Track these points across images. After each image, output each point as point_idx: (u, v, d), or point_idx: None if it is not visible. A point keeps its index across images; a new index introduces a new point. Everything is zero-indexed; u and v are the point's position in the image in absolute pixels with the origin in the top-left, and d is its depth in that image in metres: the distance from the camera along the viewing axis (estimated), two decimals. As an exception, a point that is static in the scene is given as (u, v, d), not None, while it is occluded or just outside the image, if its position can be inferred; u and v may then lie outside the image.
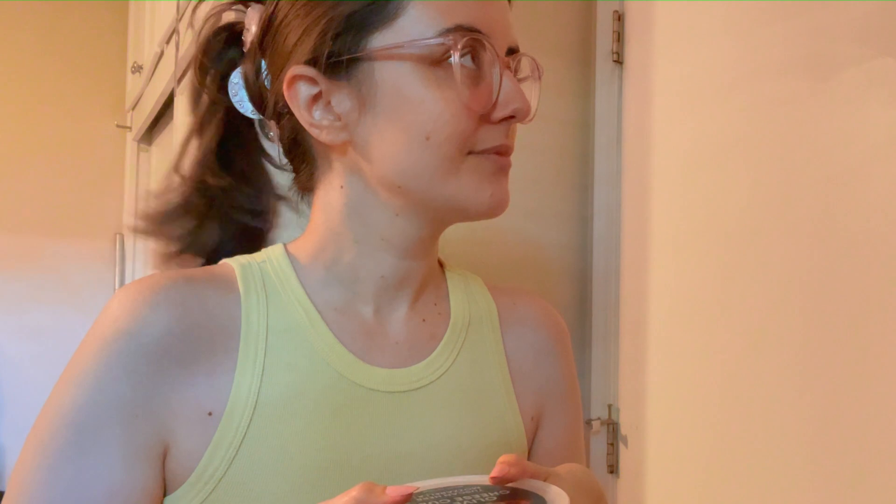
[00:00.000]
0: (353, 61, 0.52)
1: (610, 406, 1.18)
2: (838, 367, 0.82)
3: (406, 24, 0.51)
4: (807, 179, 0.87)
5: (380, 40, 0.51)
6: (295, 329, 0.55)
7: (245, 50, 0.61)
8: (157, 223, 0.64)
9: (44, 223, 2.48)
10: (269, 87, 0.58)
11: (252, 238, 0.66)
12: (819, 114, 0.85)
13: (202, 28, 0.65)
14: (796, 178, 0.88)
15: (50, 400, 0.50)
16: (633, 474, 1.14)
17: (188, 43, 1.39)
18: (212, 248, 0.64)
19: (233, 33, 0.64)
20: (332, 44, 0.52)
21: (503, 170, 0.55)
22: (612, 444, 1.18)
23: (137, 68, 2.20)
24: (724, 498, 0.96)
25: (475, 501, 0.42)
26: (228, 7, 0.63)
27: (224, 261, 0.58)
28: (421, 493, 0.42)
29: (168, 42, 1.67)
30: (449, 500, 0.42)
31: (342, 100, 0.53)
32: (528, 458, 0.65)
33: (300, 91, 0.54)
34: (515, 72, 0.56)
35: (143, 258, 2.35)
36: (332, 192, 0.57)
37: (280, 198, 0.66)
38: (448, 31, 0.51)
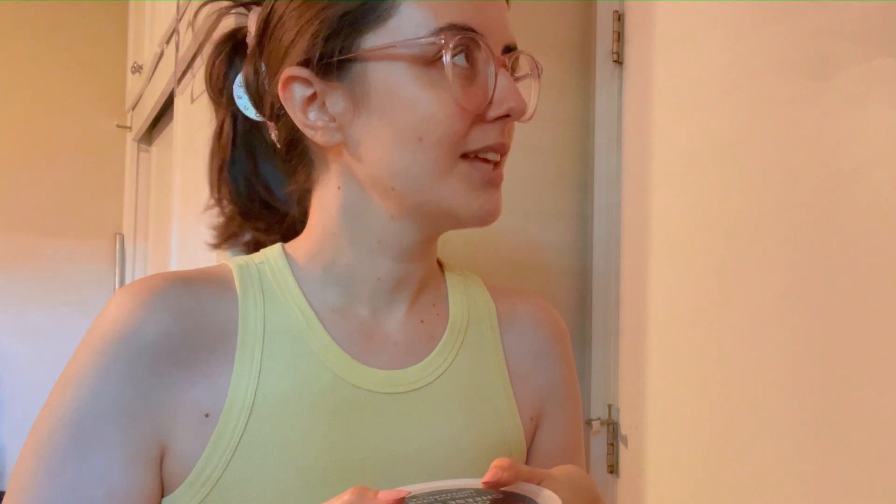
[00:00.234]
0: (347, 62, 0.52)
1: (610, 406, 1.18)
2: (838, 367, 0.82)
3: (399, 24, 0.51)
4: (807, 179, 0.87)
5: (372, 41, 0.51)
6: (292, 331, 0.54)
7: (248, 53, 0.61)
8: (221, 242, 0.67)
9: (44, 223, 2.48)
10: (267, 88, 0.58)
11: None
12: (819, 114, 0.85)
13: (204, 38, 0.65)
14: (796, 178, 0.88)
15: (49, 401, 0.50)
16: (633, 474, 1.14)
17: (188, 43, 1.39)
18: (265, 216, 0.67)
19: (238, 41, 0.64)
20: (325, 45, 0.52)
21: (494, 180, 0.55)
22: (612, 444, 1.18)
23: (137, 68, 2.20)
24: (723, 498, 0.96)
25: None
26: (227, 11, 0.63)
27: (223, 261, 0.58)
28: (413, 496, 0.42)
29: (168, 42, 1.67)
30: None
31: (336, 101, 0.53)
32: (528, 459, 0.65)
33: (295, 92, 0.54)
34: (513, 70, 0.56)
35: (143, 258, 2.35)
36: (329, 193, 0.57)
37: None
38: (440, 31, 0.50)
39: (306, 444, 0.52)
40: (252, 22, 0.61)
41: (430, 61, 0.51)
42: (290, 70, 0.53)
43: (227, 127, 0.64)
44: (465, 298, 0.64)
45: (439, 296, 0.63)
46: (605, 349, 1.19)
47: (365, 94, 0.52)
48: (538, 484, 0.45)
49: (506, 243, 1.14)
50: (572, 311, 1.21)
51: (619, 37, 1.20)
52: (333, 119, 0.54)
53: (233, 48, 0.64)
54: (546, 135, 1.18)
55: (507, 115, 0.53)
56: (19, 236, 2.44)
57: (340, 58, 0.52)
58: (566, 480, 0.48)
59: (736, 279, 0.96)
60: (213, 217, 0.67)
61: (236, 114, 0.63)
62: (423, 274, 0.60)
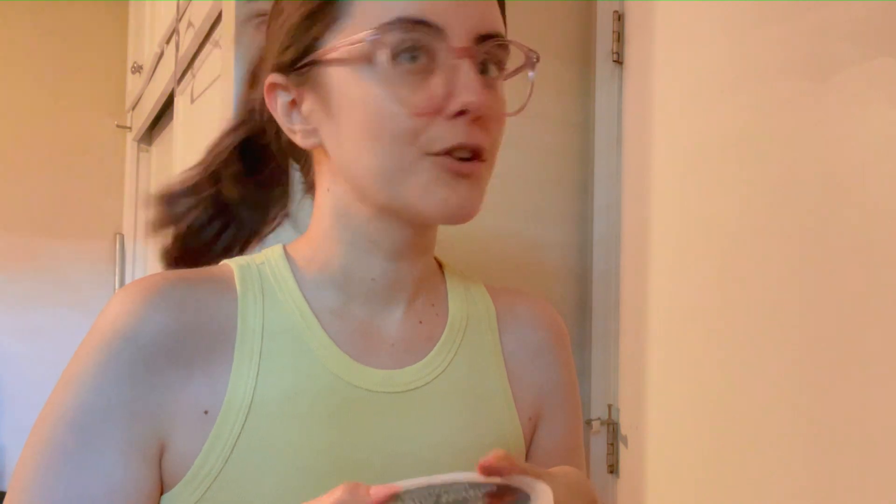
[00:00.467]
0: (311, 66, 0.53)
1: (610, 406, 1.18)
2: (838, 367, 0.82)
3: (349, 24, 0.51)
4: (807, 179, 0.87)
5: (327, 43, 0.52)
6: (290, 331, 0.55)
7: None
8: (163, 198, 0.65)
9: (44, 223, 2.47)
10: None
11: (246, 238, 0.66)
12: (819, 114, 0.85)
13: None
14: (796, 178, 0.88)
15: (50, 399, 0.51)
16: (633, 474, 1.14)
17: (188, 43, 1.39)
18: (205, 240, 0.65)
19: None
20: (293, 50, 0.54)
21: (461, 172, 0.51)
22: (612, 444, 1.18)
23: (137, 68, 2.20)
24: (723, 498, 0.96)
25: (461, 498, 0.41)
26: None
27: (224, 262, 0.59)
28: (406, 491, 0.42)
29: (168, 42, 1.67)
30: (435, 498, 0.41)
31: (310, 104, 0.54)
32: (527, 460, 0.65)
33: (278, 98, 0.56)
34: (499, 61, 0.53)
35: (143, 258, 2.35)
36: (322, 194, 0.58)
37: (286, 214, 0.67)
38: (386, 26, 0.49)
39: (304, 443, 0.52)
40: None
41: (375, 59, 0.50)
42: (271, 77, 0.55)
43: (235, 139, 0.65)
44: (464, 299, 0.64)
45: (438, 296, 0.63)
46: (605, 349, 1.19)
47: (328, 98, 0.53)
48: (534, 479, 0.45)
49: (506, 243, 1.14)
50: (572, 312, 1.21)
51: (619, 37, 1.20)
52: (309, 122, 0.55)
53: None
54: (546, 135, 1.18)
55: (465, 111, 0.49)
56: (19, 236, 2.44)
57: (304, 62, 0.53)
58: (564, 480, 0.48)
59: (735, 279, 0.96)
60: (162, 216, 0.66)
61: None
62: (419, 274, 0.60)
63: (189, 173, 0.65)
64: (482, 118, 0.51)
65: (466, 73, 0.49)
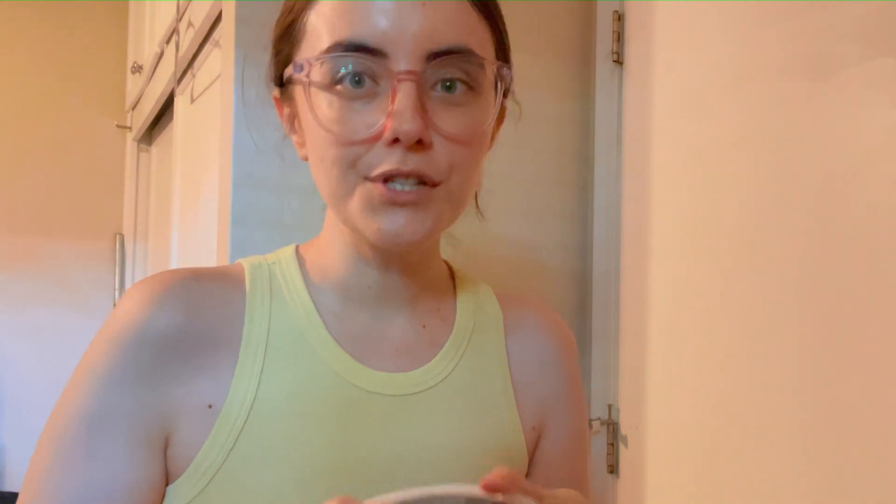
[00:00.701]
0: (287, 84, 0.55)
1: (610, 406, 1.18)
2: (838, 367, 0.82)
3: (304, 47, 0.52)
4: (807, 179, 0.87)
5: (294, 62, 0.53)
6: (296, 331, 0.55)
7: None
8: None
9: (44, 223, 2.47)
10: None
11: None
12: (819, 114, 0.85)
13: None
14: (796, 178, 0.88)
15: (64, 393, 0.52)
16: (633, 474, 1.14)
17: (188, 43, 1.39)
18: None
19: None
20: (274, 66, 0.56)
21: (394, 200, 0.49)
22: (612, 444, 1.18)
23: (137, 68, 2.20)
24: (723, 498, 0.96)
25: None
26: None
27: (238, 260, 0.60)
28: (401, 503, 0.42)
29: (168, 42, 1.67)
30: None
31: (298, 119, 0.56)
32: (530, 468, 0.65)
33: (283, 110, 0.58)
34: (456, 77, 0.50)
35: (143, 258, 2.35)
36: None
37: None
38: (328, 50, 0.49)
39: (305, 441, 0.52)
40: None
41: (319, 83, 0.50)
42: (273, 91, 0.58)
43: None
44: (472, 305, 0.64)
45: (445, 302, 0.63)
46: (605, 349, 1.19)
47: (298, 114, 0.55)
48: (538, 501, 0.45)
49: (505, 243, 1.14)
50: (572, 312, 1.21)
51: (619, 37, 1.20)
52: (300, 136, 0.57)
53: None
54: (546, 135, 1.18)
55: (396, 139, 0.48)
56: (19, 236, 2.44)
57: (282, 81, 0.55)
58: (565, 502, 0.48)
59: (736, 279, 0.96)
60: None
61: None
62: (419, 282, 0.60)
63: None
64: (424, 144, 0.49)
65: (401, 99, 0.47)
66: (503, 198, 1.12)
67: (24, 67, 2.47)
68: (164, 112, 2.00)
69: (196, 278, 0.55)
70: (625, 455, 1.16)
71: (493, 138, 0.60)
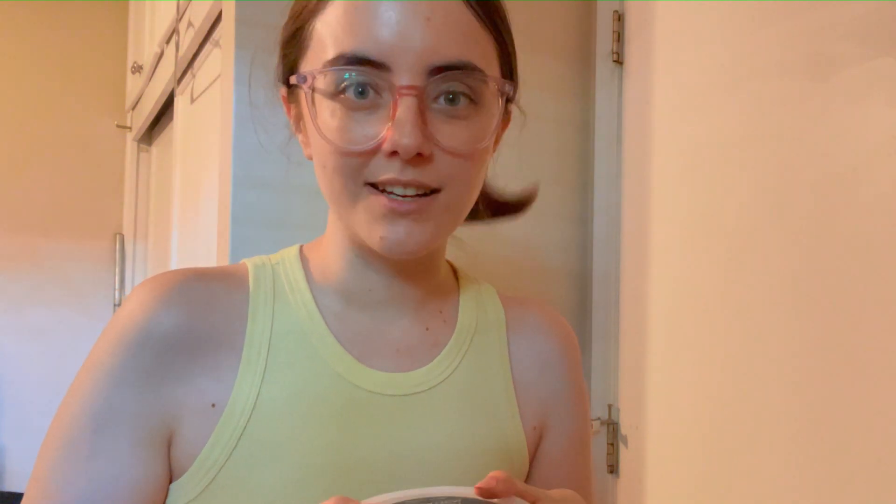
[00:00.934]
0: (294, 87, 0.55)
1: (610, 406, 1.18)
2: (838, 367, 0.82)
3: (310, 55, 0.52)
4: (807, 179, 0.87)
5: (300, 67, 0.54)
6: (298, 331, 0.56)
7: None
8: None
9: (44, 223, 2.47)
10: None
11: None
12: (819, 114, 0.85)
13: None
14: (796, 178, 0.88)
15: (68, 394, 0.52)
16: (633, 474, 1.14)
17: (188, 43, 1.39)
18: None
19: None
20: (282, 67, 0.57)
21: (397, 210, 0.50)
22: (612, 444, 1.18)
23: (137, 68, 2.20)
24: (723, 498, 0.96)
25: None
26: None
27: (243, 260, 0.60)
28: (399, 503, 0.42)
29: (168, 42, 1.67)
30: None
31: (303, 120, 0.57)
32: (531, 469, 0.65)
33: (291, 109, 0.58)
34: (458, 90, 0.50)
35: (143, 258, 2.35)
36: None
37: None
38: (332, 62, 0.49)
39: (307, 441, 0.53)
40: None
41: (323, 93, 0.51)
42: (281, 90, 0.58)
43: None
44: (475, 306, 0.64)
45: (448, 303, 0.63)
46: (605, 349, 1.19)
47: (303, 117, 0.56)
48: (532, 503, 0.45)
49: (506, 243, 1.14)
50: (572, 312, 1.21)
51: (619, 37, 1.20)
52: (305, 136, 0.57)
53: None
54: (546, 135, 1.18)
55: (396, 152, 0.49)
56: (19, 236, 2.44)
57: (290, 82, 0.55)
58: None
59: (736, 279, 0.96)
60: None
61: None
62: (422, 290, 0.60)
63: None
64: (424, 157, 0.49)
65: (402, 113, 0.48)
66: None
67: (24, 67, 2.47)
68: (164, 112, 2.00)
69: (200, 278, 0.55)
70: (625, 455, 1.16)
71: (497, 141, 0.60)
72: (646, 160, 1.13)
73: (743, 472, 0.93)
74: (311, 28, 0.52)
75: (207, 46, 1.27)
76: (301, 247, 0.62)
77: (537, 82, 1.17)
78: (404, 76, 0.48)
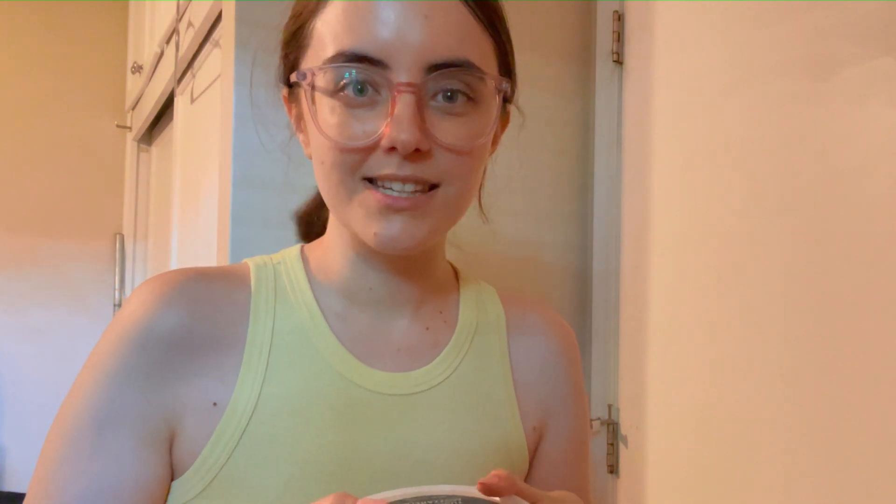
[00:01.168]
0: (294, 86, 0.56)
1: (610, 406, 1.18)
2: (837, 366, 0.82)
3: (310, 54, 0.53)
4: (807, 179, 0.87)
5: (301, 66, 0.54)
6: (299, 330, 0.56)
7: None
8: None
9: (44, 223, 2.47)
10: None
11: None
12: (819, 114, 0.85)
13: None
14: (796, 178, 0.88)
15: (71, 392, 0.53)
16: (633, 474, 1.14)
17: (188, 43, 1.39)
18: None
19: None
20: (283, 67, 0.57)
21: (392, 206, 0.51)
22: (612, 444, 1.18)
23: (137, 68, 2.20)
24: (723, 497, 0.96)
25: None
26: None
27: (245, 260, 0.61)
28: (398, 502, 0.42)
29: (168, 42, 1.67)
30: None
31: (304, 120, 0.57)
32: (531, 468, 0.65)
33: (292, 109, 0.59)
34: (456, 88, 0.51)
35: (143, 258, 2.35)
36: None
37: None
38: (331, 59, 0.50)
39: (308, 440, 0.53)
40: None
41: (323, 90, 0.51)
42: (282, 91, 0.59)
43: None
44: (475, 306, 0.64)
45: (448, 303, 0.63)
46: (605, 349, 1.19)
47: (303, 116, 0.56)
48: (532, 503, 0.45)
49: (506, 243, 1.14)
50: (572, 312, 1.21)
51: (619, 37, 1.20)
52: (305, 135, 0.58)
53: None
54: (546, 135, 1.18)
55: (394, 147, 0.49)
56: (19, 236, 2.44)
57: (290, 81, 0.55)
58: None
59: (735, 279, 0.96)
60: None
61: None
62: (422, 288, 0.60)
63: None
64: (422, 153, 0.50)
65: (400, 109, 0.49)
66: (504, 198, 1.12)
67: (24, 67, 2.47)
68: (164, 112, 2.00)
69: (202, 278, 0.55)
70: (625, 455, 1.16)
71: (494, 142, 0.60)
72: (646, 160, 1.14)
73: (742, 471, 0.93)
74: (311, 27, 0.53)
75: (207, 46, 1.27)
76: (302, 246, 0.62)
77: (537, 82, 1.18)
78: (403, 73, 0.49)
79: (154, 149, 2.29)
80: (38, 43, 2.49)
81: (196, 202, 1.39)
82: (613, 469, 1.18)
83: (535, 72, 1.17)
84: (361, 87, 0.50)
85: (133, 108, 2.37)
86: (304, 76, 0.51)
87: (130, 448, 0.51)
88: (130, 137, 2.44)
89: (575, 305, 1.21)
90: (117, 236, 2.55)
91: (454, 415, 0.58)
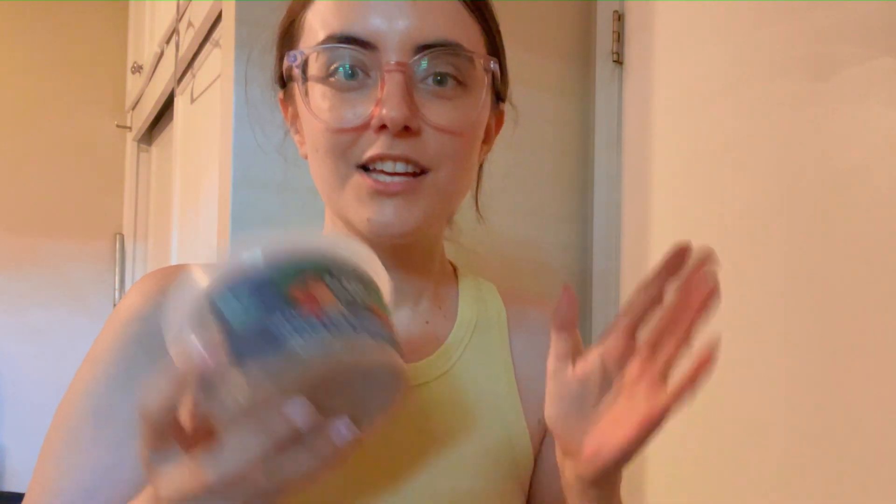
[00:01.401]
0: (288, 81, 0.57)
1: (610, 406, 1.18)
2: (839, 367, 0.82)
3: (302, 44, 0.54)
4: (807, 179, 0.87)
5: (286, 55, 0.55)
6: None
7: None
8: None
9: (44, 223, 2.47)
10: None
11: None
12: (819, 114, 0.85)
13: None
14: (796, 178, 0.88)
15: (71, 385, 0.53)
16: (633, 473, 1.14)
17: (188, 43, 1.39)
18: None
19: None
20: (276, 67, 0.58)
21: (384, 190, 0.51)
22: (612, 444, 1.18)
23: (137, 68, 2.20)
24: (723, 497, 0.96)
25: None
26: None
27: None
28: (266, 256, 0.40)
29: (168, 42, 1.67)
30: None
31: (297, 117, 0.58)
32: (538, 462, 0.64)
33: (287, 110, 0.60)
34: (445, 70, 0.52)
35: (143, 258, 2.35)
36: None
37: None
38: (321, 44, 0.51)
39: None
40: None
41: (313, 76, 0.53)
42: (279, 93, 0.59)
43: None
44: (475, 302, 0.64)
45: (447, 299, 0.63)
46: (605, 349, 1.19)
47: (297, 110, 0.57)
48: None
49: (506, 243, 1.14)
50: (572, 311, 1.21)
51: (619, 37, 1.20)
52: (301, 134, 0.58)
53: None
54: (546, 135, 1.18)
55: (385, 126, 0.50)
56: (19, 236, 2.44)
57: (283, 79, 0.57)
58: None
59: (735, 279, 0.96)
60: None
61: None
62: (420, 282, 0.60)
63: None
64: (411, 131, 0.50)
65: (389, 88, 0.49)
66: (503, 198, 1.12)
67: (24, 67, 2.47)
68: (164, 112, 2.00)
69: None
70: (625, 455, 1.16)
71: (488, 139, 0.61)
72: (646, 160, 1.14)
73: (742, 471, 0.93)
74: (302, 20, 0.54)
75: (207, 46, 1.27)
76: None
77: (537, 82, 1.17)
78: (392, 55, 0.50)
79: (154, 149, 2.29)
80: (38, 43, 2.49)
81: (196, 202, 1.39)
82: (613, 469, 1.18)
83: (535, 72, 1.17)
84: (352, 72, 0.51)
85: (133, 108, 2.37)
86: (295, 58, 0.53)
87: (129, 440, 0.51)
88: (130, 137, 2.44)
89: (575, 305, 1.21)
90: (117, 236, 2.55)
91: (454, 408, 0.58)
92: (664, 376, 0.48)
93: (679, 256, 0.47)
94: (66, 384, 0.54)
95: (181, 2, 1.48)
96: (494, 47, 0.57)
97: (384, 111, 0.49)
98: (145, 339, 0.52)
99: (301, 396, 0.36)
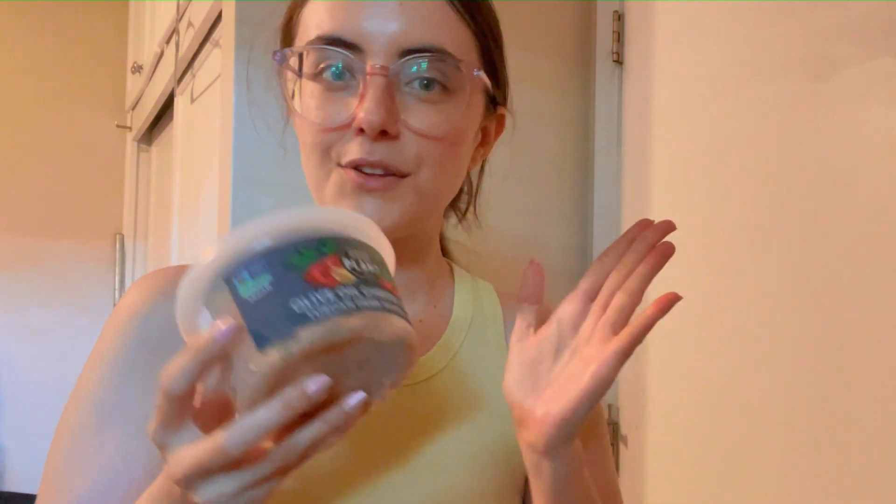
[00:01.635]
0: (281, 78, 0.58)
1: (610, 406, 1.18)
2: (838, 367, 0.82)
3: (297, 43, 0.55)
4: (807, 179, 0.87)
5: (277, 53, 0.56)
6: None
7: None
8: None
9: (44, 223, 2.47)
10: None
11: None
12: (819, 114, 0.85)
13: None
14: (796, 178, 0.88)
15: (76, 385, 0.53)
16: (633, 474, 1.14)
17: (188, 43, 1.39)
18: None
19: None
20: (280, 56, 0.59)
21: (365, 189, 0.52)
22: (612, 444, 1.18)
23: (137, 68, 2.21)
24: (723, 497, 0.96)
25: None
26: None
27: None
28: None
29: (168, 42, 1.67)
30: None
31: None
32: None
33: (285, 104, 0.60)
34: (430, 76, 0.51)
35: (143, 258, 2.35)
36: None
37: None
38: (309, 43, 0.52)
39: None
40: None
41: (302, 74, 0.54)
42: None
43: None
44: (470, 301, 0.64)
45: (442, 298, 0.63)
46: (605, 349, 1.19)
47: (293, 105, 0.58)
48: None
49: (506, 243, 1.14)
50: (572, 311, 1.21)
51: (619, 37, 1.20)
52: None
53: None
54: (546, 135, 1.18)
55: (362, 130, 0.50)
56: (19, 236, 2.44)
57: (281, 68, 0.57)
58: None
59: (735, 279, 0.96)
60: None
61: None
62: (410, 278, 0.60)
63: None
64: (389, 135, 0.51)
65: (370, 92, 0.50)
66: (503, 198, 1.12)
67: (24, 67, 2.47)
68: (164, 112, 2.00)
69: None
70: (625, 455, 1.16)
71: (486, 142, 0.61)
72: (646, 160, 1.14)
73: (742, 471, 0.93)
74: (298, 17, 0.55)
75: (207, 46, 1.27)
76: None
77: (537, 82, 1.17)
78: (376, 58, 0.51)
79: (154, 149, 2.29)
80: (38, 43, 2.49)
81: (196, 202, 1.39)
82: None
83: (535, 72, 1.17)
84: (339, 73, 0.52)
85: (133, 108, 2.37)
86: (283, 57, 0.54)
87: (135, 439, 0.51)
88: (130, 137, 2.44)
89: (575, 305, 1.21)
90: (117, 236, 2.55)
91: (449, 405, 0.58)
92: (615, 330, 0.48)
93: (640, 228, 0.50)
94: (67, 384, 0.55)
95: (181, 2, 1.48)
96: (487, 51, 0.56)
97: (362, 114, 0.50)
98: (146, 337, 0.53)
99: (319, 373, 0.37)
